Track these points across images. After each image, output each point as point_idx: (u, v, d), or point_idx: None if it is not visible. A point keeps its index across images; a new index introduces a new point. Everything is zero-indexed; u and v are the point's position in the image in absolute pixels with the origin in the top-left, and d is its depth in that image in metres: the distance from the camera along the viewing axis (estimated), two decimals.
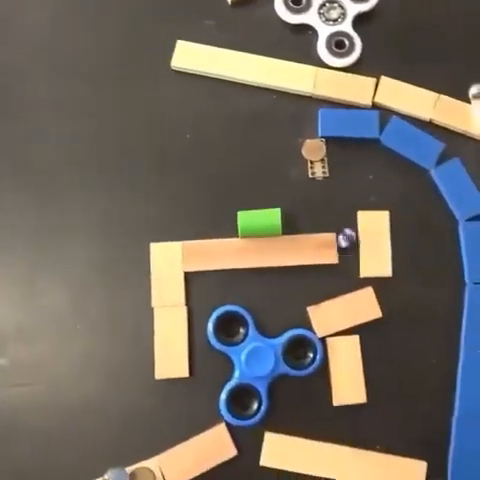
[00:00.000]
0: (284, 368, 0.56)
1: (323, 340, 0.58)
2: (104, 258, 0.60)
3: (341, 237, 0.59)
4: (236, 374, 0.56)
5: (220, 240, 0.60)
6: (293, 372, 0.57)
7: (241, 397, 0.56)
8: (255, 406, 0.56)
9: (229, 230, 0.60)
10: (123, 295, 0.59)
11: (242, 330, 0.57)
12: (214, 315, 0.57)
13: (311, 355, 0.57)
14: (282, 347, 0.57)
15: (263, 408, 0.55)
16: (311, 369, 0.57)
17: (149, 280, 0.59)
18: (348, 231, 0.58)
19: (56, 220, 0.60)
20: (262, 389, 0.56)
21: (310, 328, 0.58)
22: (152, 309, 0.58)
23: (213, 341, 0.56)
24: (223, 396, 0.56)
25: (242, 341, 0.57)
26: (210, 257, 0.59)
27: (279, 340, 0.57)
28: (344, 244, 0.59)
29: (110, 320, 0.58)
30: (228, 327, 0.57)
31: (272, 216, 0.59)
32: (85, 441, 0.56)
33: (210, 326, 0.57)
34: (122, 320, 0.58)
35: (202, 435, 0.56)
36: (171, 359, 0.57)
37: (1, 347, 0.57)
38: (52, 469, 0.55)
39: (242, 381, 0.56)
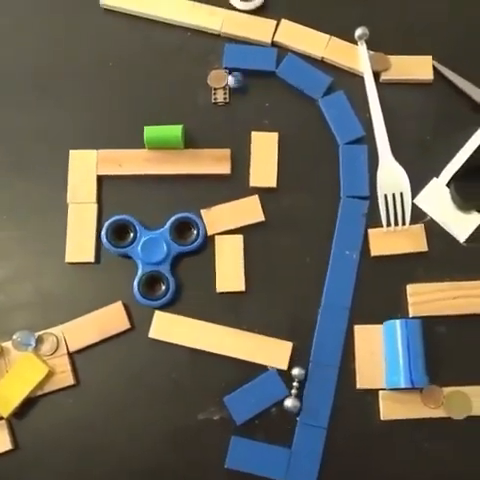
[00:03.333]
0: (176, 248, 0.66)
1: (212, 238, 0.67)
2: (27, 162, 0.69)
3: (231, 77, 0.69)
4: (139, 267, 0.65)
5: (130, 150, 0.69)
6: (183, 248, 0.66)
7: (151, 284, 0.66)
8: (164, 288, 0.65)
9: (140, 143, 0.69)
10: (43, 192, 0.68)
11: (132, 234, 0.67)
12: (105, 225, 0.66)
13: (195, 231, 0.67)
14: (168, 231, 0.66)
15: (170, 291, 0.65)
16: (197, 243, 0.66)
17: (66, 180, 0.68)
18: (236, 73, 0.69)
19: None
20: (166, 272, 0.65)
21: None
22: (67, 205, 0.67)
23: (108, 246, 0.66)
24: (135, 284, 0.65)
25: (134, 241, 0.66)
26: (120, 164, 0.68)
27: (164, 227, 0.67)
28: (233, 83, 0.69)
29: (29, 213, 0.68)
30: (120, 232, 0.67)
31: (174, 130, 0.68)
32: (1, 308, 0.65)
33: (103, 237, 0.66)
34: (40, 213, 0.68)
35: (101, 310, 0.65)
36: (80, 246, 0.66)
37: None
38: None
39: (146, 270, 0.65)
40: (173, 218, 0.67)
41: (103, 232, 0.66)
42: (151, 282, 0.65)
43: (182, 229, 0.67)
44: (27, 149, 0.69)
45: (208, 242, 0.67)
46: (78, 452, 0.62)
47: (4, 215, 0.68)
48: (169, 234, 0.66)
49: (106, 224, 0.66)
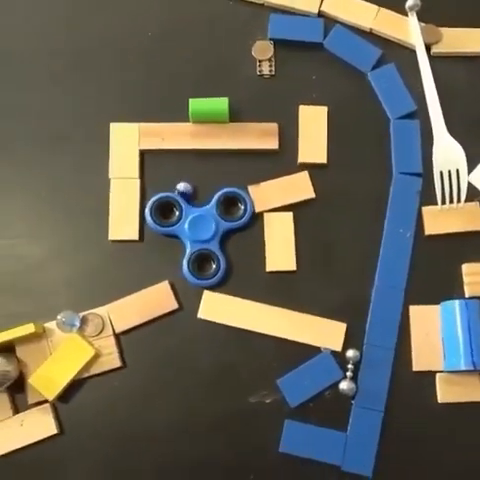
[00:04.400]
0: (224, 224, 0.63)
1: (261, 215, 0.64)
2: (67, 136, 0.66)
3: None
4: (187, 245, 0.63)
5: (173, 124, 0.66)
6: (231, 224, 0.63)
7: (200, 262, 0.63)
8: (214, 266, 0.63)
9: (183, 117, 0.66)
10: (84, 167, 0.65)
11: (177, 212, 0.64)
12: (149, 204, 0.64)
13: (242, 207, 0.64)
14: (215, 207, 0.63)
15: (222, 266, 0.62)
16: (244, 219, 0.63)
17: (108, 155, 0.65)
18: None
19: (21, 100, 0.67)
20: (219, 253, 0.63)
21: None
22: (109, 180, 0.65)
23: (153, 226, 0.63)
24: (184, 263, 0.62)
25: (180, 219, 0.63)
26: (163, 138, 0.65)
27: (211, 203, 0.64)
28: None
29: (70, 189, 0.65)
30: (165, 210, 0.64)
31: (221, 103, 0.65)
32: (44, 288, 0.62)
33: (148, 215, 0.63)
34: (81, 188, 0.65)
35: (147, 290, 0.62)
36: (123, 223, 0.64)
37: None
38: None
39: (195, 249, 0.62)
40: (220, 193, 0.64)
41: (147, 211, 0.63)
42: (200, 261, 0.63)
43: (228, 205, 0.64)
44: (67, 123, 0.66)
45: (256, 219, 0.64)
46: (123, 438, 0.60)
47: (43, 191, 0.65)
48: (216, 210, 0.63)
49: (150, 202, 0.63)
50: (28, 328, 0.58)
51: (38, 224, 0.64)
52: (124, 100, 0.67)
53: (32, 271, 0.63)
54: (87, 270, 0.63)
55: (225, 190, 0.64)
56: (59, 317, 0.60)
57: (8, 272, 0.63)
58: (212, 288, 0.62)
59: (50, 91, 0.67)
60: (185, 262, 0.62)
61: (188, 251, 0.62)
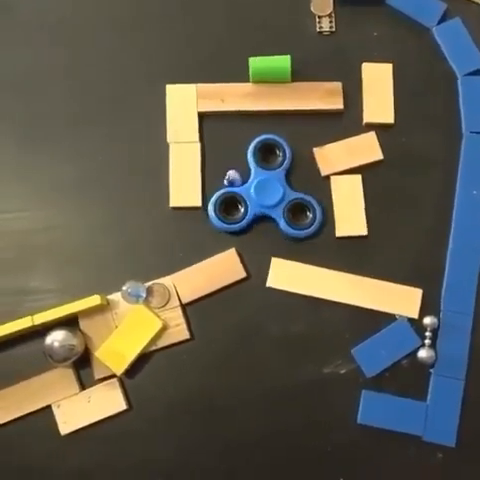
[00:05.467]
0: (292, 194, 0.60)
1: (328, 178, 0.61)
2: (123, 98, 0.63)
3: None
4: (250, 208, 0.60)
5: (233, 84, 0.63)
6: (298, 195, 0.60)
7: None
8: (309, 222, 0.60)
9: (242, 76, 0.63)
10: (144, 132, 0.62)
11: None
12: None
13: (310, 215, 0.60)
14: (285, 173, 0.60)
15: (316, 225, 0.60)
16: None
17: (165, 119, 0.62)
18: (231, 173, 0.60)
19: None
20: (279, 217, 0.59)
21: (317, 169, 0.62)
22: (168, 145, 0.61)
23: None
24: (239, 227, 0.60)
25: (247, 181, 0.60)
26: (223, 99, 0.62)
27: (281, 168, 0.61)
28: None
29: (128, 153, 0.61)
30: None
31: (283, 61, 0.62)
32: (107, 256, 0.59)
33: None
34: (140, 155, 0.61)
35: (213, 258, 0.59)
36: (185, 190, 0.60)
37: None
38: None
39: (259, 211, 0.59)
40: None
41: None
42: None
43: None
44: (123, 84, 0.63)
45: (324, 183, 0.61)
46: (193, 411, 0.57)
47: (100, 156, 0.61)
48: (284, 176, 0.60)
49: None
50: (94, 300, 0.56)
51: (97, 192, 0.61)
52: (181, 61, 0.63)
53: (93, 242, 0.60)
54: (148, 239, 0.60)
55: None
56: (124, 288, 0.57)
57: (70, 243, 0.60)
58: (279, 255, 0.59)
59: (106, 54, 0.64)
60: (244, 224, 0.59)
61: (249, 215, 0.59)
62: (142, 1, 0.65)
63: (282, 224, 0.59)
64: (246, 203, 0.59)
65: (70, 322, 0.57)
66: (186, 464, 0.57)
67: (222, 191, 0.60)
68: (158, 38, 0.64)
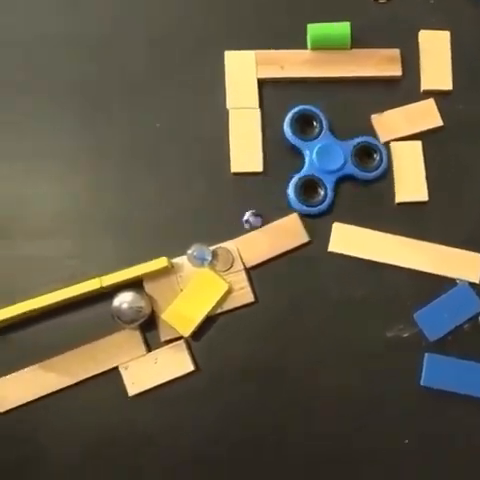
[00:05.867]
0: (352, 168, 0.60)
1: (387, 145, 0.61)
2: (181, 64, 0.63)
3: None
4: (306, 168, 0.60)
5: (292, 51, 0.63)
6: (360, 173, 0.60)
7: (309, 188, 0.60)
8: (321, 196, 0.60)
9: (300, 44, 0.63)
10: (201, 99, 0.62)
11: (316, 129, 0.61)
12: (291, 112, 0.60)
13: (377, 157, 0.61)
14: (351, 149, 0.60)
15: (328, 199, 0.59)
16: (378, 172, 0.60)
17: (224, 85, 0.62)
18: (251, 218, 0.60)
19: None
20: (329, 183, 0.60)
21: (375, 136, 0.61)
22: (227, 111, 0.61)
23: (289, 134, 0.60)
24: (293, 183, 0.59)
25: (315, 139, 0.60)
26: (282, 66, 0.62)
27: (348, 143, 0.61)
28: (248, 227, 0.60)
29: (186, 120, 0.62)
30: (302, 126, 0.61)
31: (342, 28, 0.62)
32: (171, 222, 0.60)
33: (287, 121, 0.60)
34: (200, 121, 0.61)
35: (276, 223, 0.59)
36: (246, 155, 0.61)
37: None
38: None
39: (311, 173, 0.60)
40: (358, 139, 0.61)
41: (287, 119, 0.60)
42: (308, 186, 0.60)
43: (361, 153, 0.61)
44: (182, 51, 0.63)
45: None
46: (259, 373, 0.58)
47: (158, 123, 0.62)
48: (350, 151, 0.60)
49: (291, 111, 0.61)
50: (161, 262, 0.56)
51: (162, 159, 0.61)
52: (240, 28, 0.64)
53: (157, 207, 0.60)
54: (211, 205, 0.60)
55: (361, 139, 0.61)
56: (190, 251, 0.57)
57: (135, 209, 0.60)
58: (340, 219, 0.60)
59: (165, 22, 0.64)
60: (291, 187, 0.60)
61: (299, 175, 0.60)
62: None
63: (349, 168, 0.59)
64: (325, 186, 0.59)
65: (135, 285, 0.57)
66: (251, 425, 0.57)
67: (301, 174, 0.60)
68: (217, 5, 0.64)
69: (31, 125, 0.61)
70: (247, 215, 0.59)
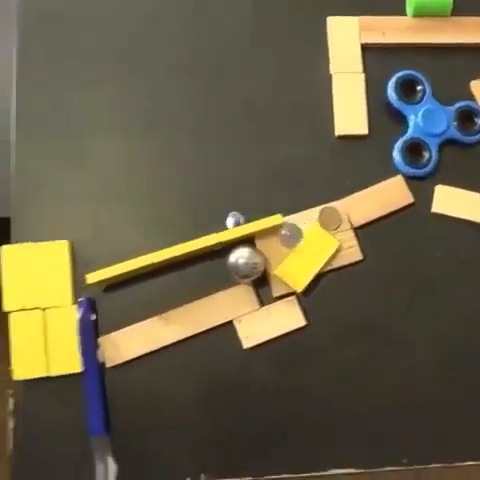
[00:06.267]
0: (454, 133, 0.62)
1: None
2: (284, 30, 0.64)
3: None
4: (411, 130, 0.61)
5: (393, 17, 0.64)
6: (463, 138, 0.62)
7: (414, 151, 0.61)
8: (426, 158, 0.61)
9: (402, 10, 0.64)
10: (303, 64, 0.63)
11: (419, 94, 0.62)
12: (395, 76, 0.62)
13: (479, 122, 0.62)
14: (454, 114, 0.62)
15: (433, 161, 0.61)
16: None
17: (327, 52, 0.63)
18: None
19: None
20: (433, 146, 0.61)
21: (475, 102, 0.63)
22: (331, 76, 0.63)
23: (393, 98, 0.61)
24: (398, 146, 0.61)
25: (419, 102, 0.62)
26: (383, 32, 0.64)
27: (450, 108, 0.62)
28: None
29: (293, 86, 0.63)
30: (405, 91, 0.62)
31: None
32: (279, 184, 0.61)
33: (391, 85, 0.62)
34: (303, 88, 0.63)
35: (381, 184, 0.61)
36: (350, 118, 0.62)
37: None
38: None
39: (416, 136, 0.61)
40: (460, 103, 0.62)
41: (392, 82, 0.62)
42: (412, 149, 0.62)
43: (463, 118, 0.63)
44: (284, 16, 0.64)
45: None
46: (363, 330, 0.59)
47: (264, 86, 0.63)
48: (453, 116, 0.62)
49: (395, 75, 0.62)
50: (275, 219, 0.58)
51: (266, 123, 0.62)
52: None
53: (263, 169, 0.61)
54: (316, 167, 0.62)
55: (463, 103, 0.63)
56: (283, 232, 0.58)
57: (242, 172, 0.61)
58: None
59: None
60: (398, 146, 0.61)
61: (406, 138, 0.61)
62: None
63: (452, 131, 0.61)
64: (430, 149, 0.61)
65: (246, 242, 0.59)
66: (361, 379, 0.59)
67: (407, 136, 0.61)
68: None
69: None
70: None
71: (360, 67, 0.63)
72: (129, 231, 0.60)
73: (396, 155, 0.61)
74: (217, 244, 0.57)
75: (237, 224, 0.59)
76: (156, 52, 0.63)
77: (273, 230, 0.59)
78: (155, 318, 0.58)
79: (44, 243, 0.58)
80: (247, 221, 0.58)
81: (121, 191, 0.60)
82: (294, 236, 0.59)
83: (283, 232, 0.59)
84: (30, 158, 0.60)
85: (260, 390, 0.58)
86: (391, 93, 0.62)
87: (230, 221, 0.59)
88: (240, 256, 0.57)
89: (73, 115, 0.61)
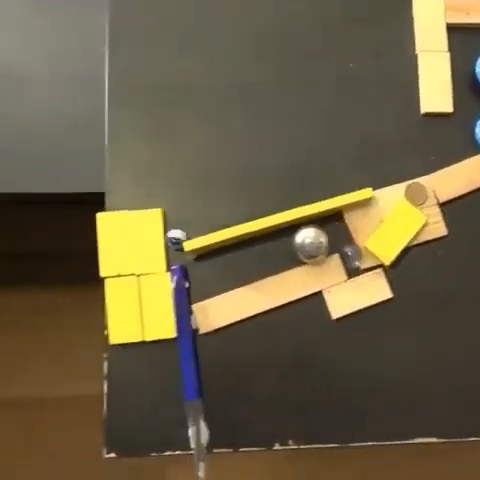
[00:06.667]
0: None
1: None
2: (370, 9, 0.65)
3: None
4: None
5: None
6: None
7: None
8: None
9: None
10: (391, 42, 0.64)
11: None
12: None
13: None
14: None
15: None
16: None
17: (412, 27, 0.64)
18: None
19: None
20: None
21: None
22: (416, 55, 0.64)
23: None
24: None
25: None
26: (468, 12, 0.64)
27: None
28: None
29: (379, 64, 0.64)
30: None
31: None
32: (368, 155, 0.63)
33: (479, 64, 0.62)
34: (389, 64, 0.64)
35: (468, 161, 0.62)
36: (436, 96, 0.63)
37: None
38: None
39: None
40: None
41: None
42: None
43: None
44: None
45: None
46: (449, 305, 0.61)
47: (351, 63, 0.64)
48: None
49: None
50: (365, 193, 0.59)
51: (352, 99, 0.63)
52: None
53: (349, 143, 0.62)
54: (402, 144, 0.63)
55: None
56: (346, 250, 0.59)
57: (329, 144, 0.63)
58: None
59: None
60: None
61: None
62: None
63: None
64: None
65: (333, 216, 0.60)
66: (449, 350, 0.60)
67: None
68: None
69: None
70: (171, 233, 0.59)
71: (445, 46, 0.64)
72: (221, 200, 0.61)
73: (478, 132, 0.62)
74: (303, 217, 0.58)
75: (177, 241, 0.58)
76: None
77: (362, 203, 0.60)
78: (246, 287, 0.59)
79: (138, 211, 0.59)
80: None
81: (212, 163, 0.61)
82: (355, 257, 0.59)
83: (346, 250, 0.60)
84: (123, 129, 0.62)
85: (346, 360, 0.59)
86: (479, 70, 0.63)
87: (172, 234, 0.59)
88: (306, 236, 0.58)
89: (166, 86, 0.62)
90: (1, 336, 1.23)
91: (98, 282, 0.58)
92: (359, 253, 0.59)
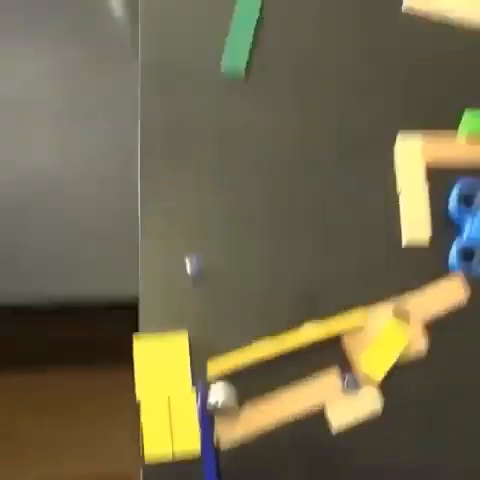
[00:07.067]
0: None
1: None
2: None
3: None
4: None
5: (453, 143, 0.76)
6: None
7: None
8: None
9: None
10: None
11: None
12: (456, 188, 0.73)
13: None
14: None
15: None
16: None
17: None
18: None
19: None
20: None
21: None
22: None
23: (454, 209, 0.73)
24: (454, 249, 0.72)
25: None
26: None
27: None
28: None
29: None
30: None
31: None
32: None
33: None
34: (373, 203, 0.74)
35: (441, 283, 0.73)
36: (416, 230, 0.74)
37: None
38: None
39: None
40: None
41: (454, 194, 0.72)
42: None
43: None
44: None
45: None
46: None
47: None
48: None
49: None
50: (361, 317, 0.69)
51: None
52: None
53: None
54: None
55: None
56: (346, 378, 0.69)
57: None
58: None
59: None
60: None
61: None
62: None
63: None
64: None
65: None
66: None
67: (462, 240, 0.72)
68: (392, 88, 0.77)
69: None
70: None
71: (425, 186, 0.75)
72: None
73: (452, 257, 0.72)
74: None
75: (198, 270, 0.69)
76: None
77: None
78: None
79: (166, 334, 0.68)
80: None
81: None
82: (353, 385, 0.69)
83: (346, 378, 0.69)
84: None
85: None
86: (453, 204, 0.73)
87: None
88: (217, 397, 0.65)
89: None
90: None
91: None
92: (356, 382, 0.69)
